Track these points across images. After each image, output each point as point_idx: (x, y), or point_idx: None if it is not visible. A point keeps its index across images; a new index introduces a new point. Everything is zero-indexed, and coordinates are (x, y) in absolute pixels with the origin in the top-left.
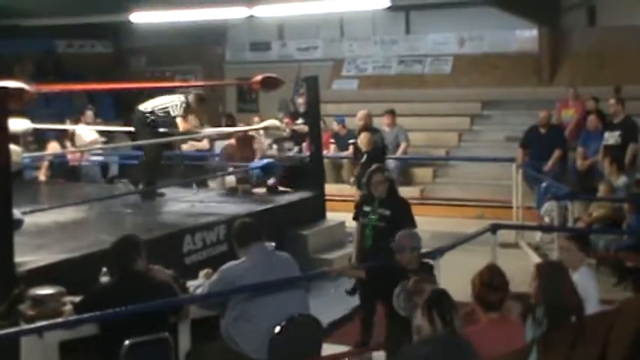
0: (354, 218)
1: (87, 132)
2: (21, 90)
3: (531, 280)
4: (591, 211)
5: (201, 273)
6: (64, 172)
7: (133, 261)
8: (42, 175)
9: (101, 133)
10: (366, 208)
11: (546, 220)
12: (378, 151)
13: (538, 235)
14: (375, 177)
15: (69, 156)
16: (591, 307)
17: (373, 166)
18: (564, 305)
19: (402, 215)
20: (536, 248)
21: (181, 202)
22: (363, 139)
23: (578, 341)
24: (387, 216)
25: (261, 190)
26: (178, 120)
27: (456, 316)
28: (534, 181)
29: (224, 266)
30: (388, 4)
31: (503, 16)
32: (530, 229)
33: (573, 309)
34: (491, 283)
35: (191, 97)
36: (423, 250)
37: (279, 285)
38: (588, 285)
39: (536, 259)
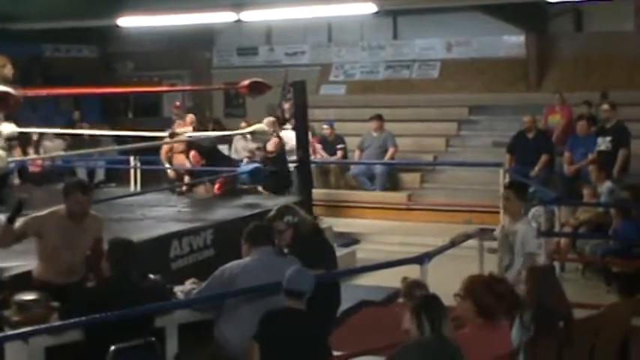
0: None
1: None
2: (7, 94)
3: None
4: (578, 216)
5: (188, 282)
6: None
7: (127, 265)
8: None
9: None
10: None
11: (533, 224)
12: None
13: None
14: (275, 224)
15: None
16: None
17: (274, 210)
18: (552, 310)
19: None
20: None
21: (168, 207)
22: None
23: (565, 346)
24: None
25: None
26: None
27: (445, 322)
28: None
29: (227, 265)
30: (375, 9)
31: (490, 21)
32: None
33: (561, 314)
34: (500, 296)
35: None
36: (412, 255)
37: (274, 288)
38: (528, 234)
39: None
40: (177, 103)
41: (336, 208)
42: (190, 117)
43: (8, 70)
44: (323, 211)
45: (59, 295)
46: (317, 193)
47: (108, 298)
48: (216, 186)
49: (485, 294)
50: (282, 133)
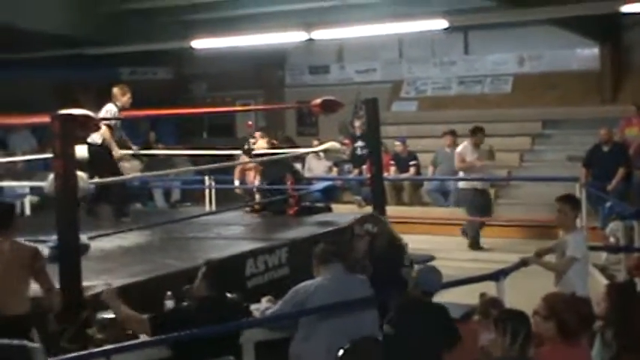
0: None
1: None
2: (86, 117)
3: (600, 300)
4: None
5: (264, 299)
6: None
7: (223, 286)
8: None
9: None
10: None
11: (612, 240)
12: None
13: (604, 256)
14: (355, 228)
15: None
16: (581, 267)
17: (357, 216)
18: (635, 327)
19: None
20: (603, 269)
21: (243, 226)
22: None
23: None
24: None
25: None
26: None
27: (529, 339)
28: (598, 201)
29: (300, 284)
30: (446, 25)
31: (562, 34)
32: (595, 249)
33: None
34: (583, 317)
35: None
36: (486, 272)
37: (348, 306)
38: (580, 245)
39: (603, 281)
40: (250, 123)
41: (410, 225)
42: (258, 134)
43: (127, 98)
44: (396, 227)
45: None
46: (390, 209)
47: (203, 319)
48: (292, 210)
49: (569, 314)
50: (458, 150)
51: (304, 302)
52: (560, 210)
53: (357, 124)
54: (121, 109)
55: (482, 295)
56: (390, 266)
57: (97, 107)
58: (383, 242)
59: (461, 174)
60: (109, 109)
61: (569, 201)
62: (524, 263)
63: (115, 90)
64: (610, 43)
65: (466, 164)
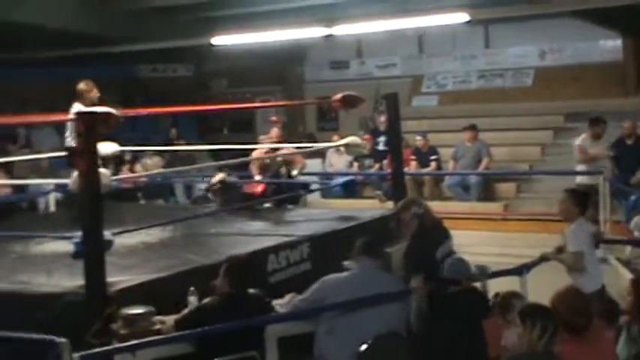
0: None
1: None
2: (108, 114)
3: (626, 295)
4: None
5: (288, 296)
6: None
7: (248, 282)
8: None
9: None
10: None
11: (636, 234)
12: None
13: (628, 250)
14: (402, 216)
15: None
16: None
17: (403, 201)
18: None
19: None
20: (627, 263)
21: (265, 221)
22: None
23: None
24: None
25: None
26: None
27: (556, 334)
28: (622, 195)
29: (327, 276)
30: (467, 18)
31: (584, 26)
32: (619, 243)
33: None
34: (579, 310)
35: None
36: (509, 266)
37: (371, 301)
38: (579, 237)
39: (627, 275)
40: (274, 118)
41: None
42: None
43: (94, 94)
44: None
45: None
46: None
47: (226, 315)
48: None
49: (562, 308)
50: (577, 142)
51: (328, 295)
52: (562, 202)
53: (381, 119)
54: (90, 106)
55: (496, 295)
56: (434, 242)
57: (119, 104)
58: (431, 217)
59: (580, 167)
60: (77, 108)
61: (573, 195)
62: (544, 259)
63: (82, 86)
64: (633, 35)
65: (588, 156)
